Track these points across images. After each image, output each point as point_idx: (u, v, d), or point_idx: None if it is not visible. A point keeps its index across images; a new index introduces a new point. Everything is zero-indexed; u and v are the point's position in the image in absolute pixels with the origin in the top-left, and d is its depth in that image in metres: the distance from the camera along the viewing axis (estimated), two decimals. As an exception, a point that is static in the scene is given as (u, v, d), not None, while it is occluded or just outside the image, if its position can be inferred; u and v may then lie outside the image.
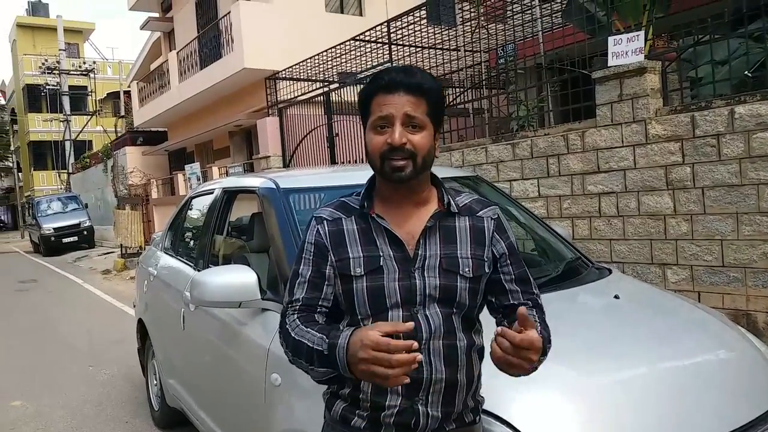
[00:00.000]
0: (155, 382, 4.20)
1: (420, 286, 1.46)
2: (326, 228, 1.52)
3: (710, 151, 4.85)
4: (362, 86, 1.58)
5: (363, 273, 1.46)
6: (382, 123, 1.45)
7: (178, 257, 3.86)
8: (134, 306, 4.81)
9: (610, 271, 2.79)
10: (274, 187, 2.86)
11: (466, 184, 3.55)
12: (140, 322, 4.39)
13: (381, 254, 1.47)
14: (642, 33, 5.54)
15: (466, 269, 1.48)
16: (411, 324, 1.30)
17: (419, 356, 1.26)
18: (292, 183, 2.97)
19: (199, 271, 3.17)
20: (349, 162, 10.29)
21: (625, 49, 5.53)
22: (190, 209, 4.13)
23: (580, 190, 5.93)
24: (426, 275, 1.47)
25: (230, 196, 3.40)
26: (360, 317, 1.47)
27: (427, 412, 1.44)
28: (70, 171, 29.45)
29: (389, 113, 1.44)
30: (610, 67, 5.52)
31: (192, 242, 3.78)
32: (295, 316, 1.48)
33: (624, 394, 1.85)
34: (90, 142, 36.04)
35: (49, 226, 20.77)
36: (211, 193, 3.61)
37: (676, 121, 5.06)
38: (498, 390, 1.71)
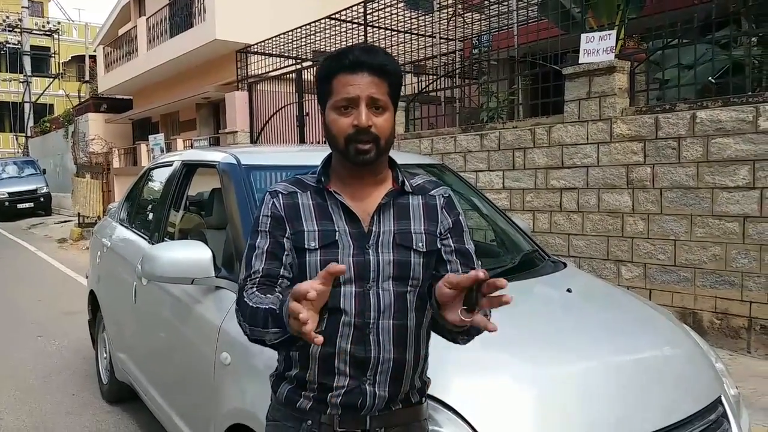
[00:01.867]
0: (105, 355, 4.12)
1: (374, 262, 1.46)
2: (281, 201, 1.49)
3: (671, 153, 4.95)
4: (322, 63, 1.52)
5: (317, 247, 1.45)
6: (346, 104, 1.42)
7: (134, 229, 3.78)
8: (87, 277, 4.71)
9: (565, 265, 2.83)
10: (235, 162, 2.81)
11: (431, 172, 3.54)
12: (92, 293, 4.30)
13: (336, 229, 1.46)
14: (614, 33, 5.60)
15: (420, 244, 1.49)
16: (342, 267, 1.21)
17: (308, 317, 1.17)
18: (254, 160, 2.92)
19: (153, 244, 3.11)
20: (319, 143, 10.21)
21: (597, 47, 5.59)
22: (149, 180, 4.03)
23: (543, 185, 6.00)
24: (380, 251, 1.46)
25: (190, 169, 3.33)
26: None
27: (374, 392, 1.44)
28: (29, 135, 28.55)
29: (355, 95, 1.41)
30: (581, 64, 5.57)
31: (149, 215, 3.70)
32: (255, 289, 1.43)
33: (572, 386, 1.88)
34: (51, 105, 34.94)
35: (3, 191, 20.10)
36: (170, 165, 3.53)
37: (641, 122, 5.15)
38: (444, 376, 1.72)
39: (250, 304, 1.39)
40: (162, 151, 15.20)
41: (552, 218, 5.94)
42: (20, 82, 29.03)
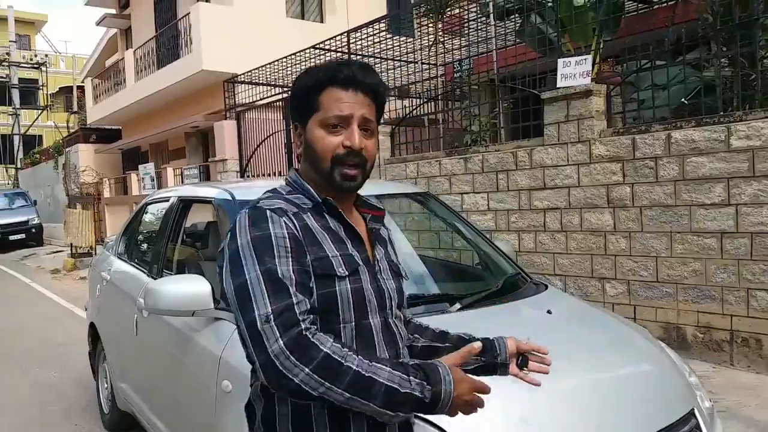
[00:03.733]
0: (106, 385, 4.21)
1: (386, 289, 1.39)
2: (294, 221, 1.28)
3: (648, 173, 5.14)
4: (307, 72, 1.40)
5: (346, 274, 1.30)
6: (337, 122, 1.31)
7: (132, 263, 3.90)
8: (86, 309, 4.80)
9: (546, 287, 2.98)
10: (230, 198, 2.96)
11: (417, 201, 3.71)
12: (92, 325, 4.39)
13: (353, 254, 1.33)
14: (590, 57, 5.83)
15: (402, 270, 1.48)
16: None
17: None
18: (249, 195, 3.06)
19: (153, 277, 3.23)
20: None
21: (574, 71, 5.81)
22: (145, 215, 4.17)
23: (527, 205, 6.18)
24: (384, 278, 1.40)
25: (186, 204, 3.47)
26: (342, 324, 1.29)
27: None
28: (18, 166, 28.55)
29: (349, 113, 1.31)
30: (559, 88, 5.79)
31: (146, 248, 3.83)
32: (323, 334, 1.19)
33: (549, 401, 2.01)
34: (40, 137, 34.98)
35: (-5, 223, 20.07)
36: (167, 200, 3.66)
37: (618, 143, 5.35)
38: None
39: (353, 366, 1.15)
40: (152, 180, 15.32)
41: (537, 238, 6.11)
42: (9, 114, 29.11)
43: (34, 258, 17.15)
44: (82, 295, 9.71)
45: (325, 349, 1.15)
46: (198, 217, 3.82)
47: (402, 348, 1.41)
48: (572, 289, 5.73)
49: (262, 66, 11.67)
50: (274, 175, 11.30)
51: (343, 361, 1.15)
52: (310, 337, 1.16)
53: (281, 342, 1.14)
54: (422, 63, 9.37)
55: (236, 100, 12.38)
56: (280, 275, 1.20)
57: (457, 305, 2.54)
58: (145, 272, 3.54)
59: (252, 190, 3.36)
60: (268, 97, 11.67)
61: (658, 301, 5.12)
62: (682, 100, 5.44)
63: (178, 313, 2.58)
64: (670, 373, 2.36)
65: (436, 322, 2.29)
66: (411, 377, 1.18)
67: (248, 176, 12.21)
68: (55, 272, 13.77)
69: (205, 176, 13.59)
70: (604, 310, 2.92)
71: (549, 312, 2.52)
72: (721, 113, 4.86)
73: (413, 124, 8.48)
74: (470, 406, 1.26)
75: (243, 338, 1.21)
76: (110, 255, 4.37)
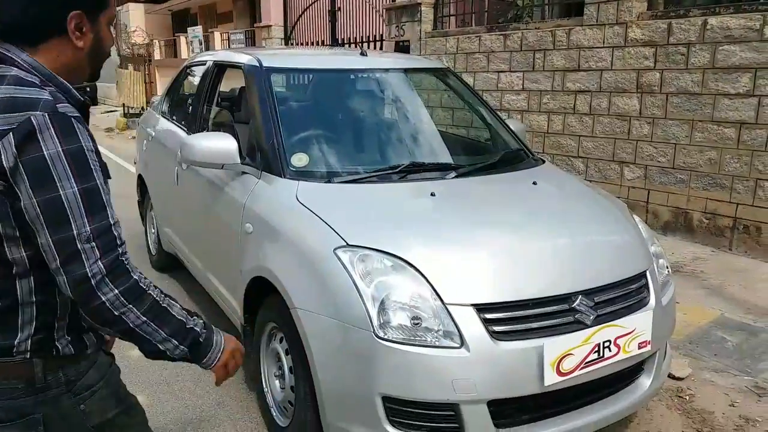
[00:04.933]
0: (153, 230, 4.75)
1: None
2: (87, 129, 1.20)
3: (679, 59, 5.12)
4: None
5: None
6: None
7: (174, 121, 4.27)
8: (135, 163, 5.28)
9: (544, 162, 3.23)
10: (258, 65, 3.23)
11: (436, 76, 3.89)
12: (140, 177, 4.88)
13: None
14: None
15: None
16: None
17: None
18: (276, 62, 3.33)
19: (189, 134, 3.60)
20: (350, 40, 10.38)
21: (622, -53, 5.60)
22: (187, 77, 4.48)
23: (560, 87, 6.23)
24: None
25: (220, 69, 3.75)
26: None
27: None
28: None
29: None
30: (602, -35, 5.63)
31: (187, 108, 4.17)
32: (132, 263, 1.23)
33: (519, 256, 2.33)
34: (91, -6, 34.94)
35: (52, 81, 20.72)
36: (204, 64, 3.95)
37: (654, 27, 5.29)
38: (405, 243, 2.22)
39: (155, 297, 1.24)
40: (200, 43, 15.51)
41: (565, 120, 6.22)
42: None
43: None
44: (133, 153, 10.36)
45: (135, 276, 1.21)
46: (234, 83, 4.11)
47: None
48: (593, 171, 5.92)
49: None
50: (316, 44, 11.35)
51: (147, 289, 1.22)
52: (124, 262, 1.20)
53: (100, 264, 1.16)
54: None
55: (282, -37, 12.17)
56: (99, 192, 1.17)
57: (453, 173, 2.83)
58: (184, 130, 3.91)
59: (279, 57, 3.62)
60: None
61: (671, 186, 5.29)
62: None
63: (209, 165, 2.95)
64: (632, 240, 2.63)
65: (434, 186, 2.63)
66: (194, 318, 1.33)
67: (292, 44, 12.29)
68: (109, 131, 14.48)
69: (251, 42, 13.69)
70: (590, 186, 3.17)
71: (534, 183, 2.79)
72: (762, 0, 4.73)
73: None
74: (233, 365, 1.42)
75: (48, 251, 1.15)
76: (155, 113, 4.75)
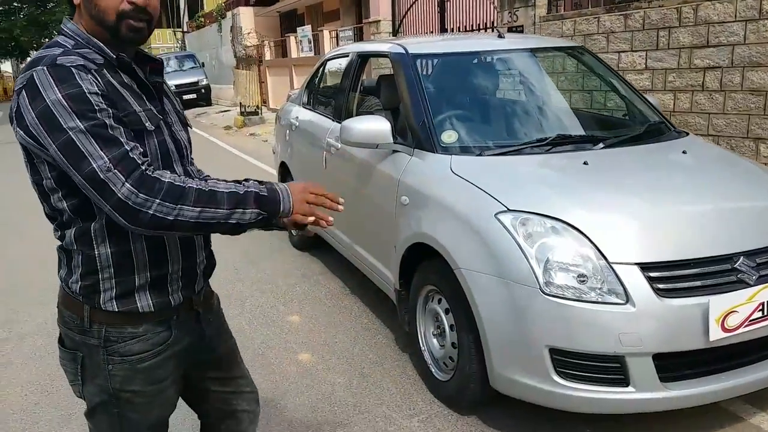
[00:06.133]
0: (295, 212, 5.12)
1: (180, 140, 1.48)
2: (98, 78, 1.27)
3: (824, 28, 4.87)
4: None
5: (153, 128, 1.36)
6: None
7: (316, 111, 4.60)
8: (274, 153, 5.69)
9: (687, 134, 3.25)
10: (404, 51, 3.46)
11: (571, 55, 3.97)
12: (282, 164, 5.27)
13: (151, 108, 1.38)
14: None
15: (188, 120, 1.57)
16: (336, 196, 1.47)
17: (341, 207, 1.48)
18: (420, 49, 3.55)
19: (338, 122, 3.89)
20: (460, 30, 10.50)
21: None
22: (326, 70, 4.80)
23: (687, 64, 6.06)
24: (177, 129, 1.48)
25: (363, 59, 4.02)
26: None
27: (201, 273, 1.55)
28: (185, 30, 30.40)
29: None
30: (735, -65, 5.44)
31: (330, 98, 4.48)
32: (159, 170, 1.28)
33: (683, 217, 2.40)
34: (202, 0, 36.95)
35: (170, 83, 21.96)
36: (346, 56, 4.24)
37: (794, -4, 5.05)
38: (566, 207, 2.36)
39: (197, 187, 1.27)
40: (310, 42, 16.12)
41: (693, 98, 6.05)
42: (174, -22, 30.76)
43: (205, 116, 19.06)
44: (256, 149, 11.10)
45: (167, 179, 1.24)
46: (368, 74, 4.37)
47: None
48: (724, 148, 5.72)
49: None
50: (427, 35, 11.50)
51: (184, 185, 1.25)
52: (151, 173, 1.23)
53: (128, 185, 1.20)
54: None
55: (390, -41, 12.43)
56: (107, 128, 1.23)
57: (601, 144, 2.93)
58: (329, 118, 4.22)
59: (421, 45, 3.84)
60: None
61: (816, 162, 5.05)
62: None
63: (366, 145, 3.21)
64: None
65: (585, 156, 2.74)
66: (244, 182, 1.36)
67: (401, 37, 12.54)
68: (227, 128, 15.38)
69: (359, 38, 14.08)
70: (738, 154, 3.16)
71: (684, 152, 2.84)
72: None
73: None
74: (313, 198, 1.39)
75: (84, 190, 1.24)
76: (295, 105, 5.11)
